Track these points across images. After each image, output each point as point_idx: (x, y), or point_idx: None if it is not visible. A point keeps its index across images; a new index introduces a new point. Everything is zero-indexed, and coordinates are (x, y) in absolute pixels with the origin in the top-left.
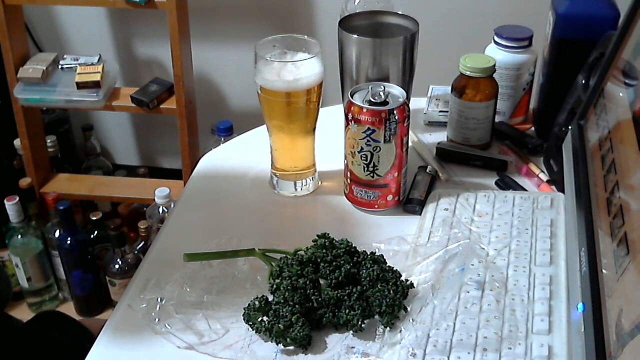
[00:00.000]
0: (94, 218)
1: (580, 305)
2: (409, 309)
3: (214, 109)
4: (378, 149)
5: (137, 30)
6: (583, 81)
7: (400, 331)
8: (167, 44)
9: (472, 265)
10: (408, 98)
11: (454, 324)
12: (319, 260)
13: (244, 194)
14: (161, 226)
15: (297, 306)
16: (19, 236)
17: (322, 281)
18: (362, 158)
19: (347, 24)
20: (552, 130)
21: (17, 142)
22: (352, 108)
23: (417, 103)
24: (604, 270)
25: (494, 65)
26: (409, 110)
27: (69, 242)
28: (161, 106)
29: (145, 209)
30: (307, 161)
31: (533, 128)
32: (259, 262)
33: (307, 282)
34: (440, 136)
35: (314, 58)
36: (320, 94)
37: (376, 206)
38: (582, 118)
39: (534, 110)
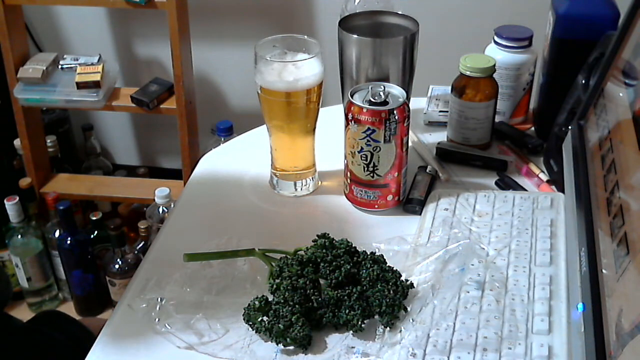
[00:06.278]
0: (94, 218)
1: (580, 305)
2: (409, 309)
3: (214, 109)
4: (378, 149)
5: (137, 30)
6: (583, 81)
7: (400, 331)
8: (167, 44)
9: (472, 265)
10: (408, 98)
11: (454, 324)
12: (319, 260)
13: (244, 194)
14: (161, 226)
15: (297, 306)
16: (19, 236)
17: (322, 281)
18: (362, 158)
19: (347, 24)
20: (552, 130)
21: (17, 142)
22: (352, 108)
23: (417, 103)
24: (604, 270)
25: (494, 65)
26: (409, 110)
27: (69, 242)
28: (161, 106)
29: (145, 209)
30: (307, 161)
31: (533, 128)
32: (259, 262)
33: (307, 282)
34: (440, 136)
35: (314, 58)
36: (320, 94)
37: (376, 206)
38: (582, 118)
39: (534, 110)
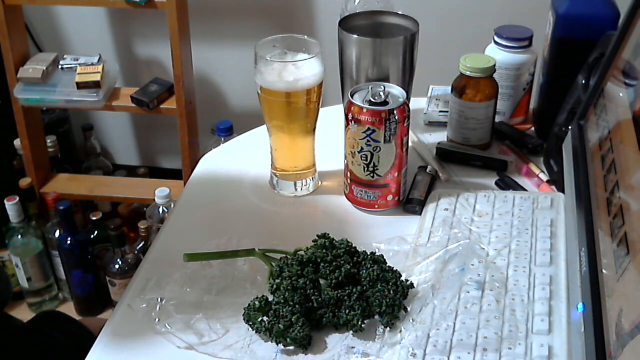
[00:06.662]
0: (94, 218)
1: (580, 305)
2: (409, 309)
3: (214, 109)
4: (378, 149)
5: (137, 30)
6: (583, 81)
7: (400, 331)
8: (167, 44)
9: (472, 265)
10: (408, 98)
11: (454, 324)
12: (319, 260)
13: (244, 194)
14: (161, 226)
15: (297, 306)
16: (19, 236)
17: (322, 281)
18: (362, 158)
19: (347, 24)
20: (552, 130)
21: (17, 142)
22: (352, 108)
23: (417, 103)
24: (604, 270)
25: (494, 65)
26: (409, 110)
27: (69, 242)
28: (161, 106)
29: (145, 209)
30: (307, 161)
31: (533, 128)
32: (259, 262)
33: (307, 282)
34: (440, 136)
35: (314, 58)
36: (320, 94)
37: (376, 206)
38: (582, 118)
39: (534, 110)
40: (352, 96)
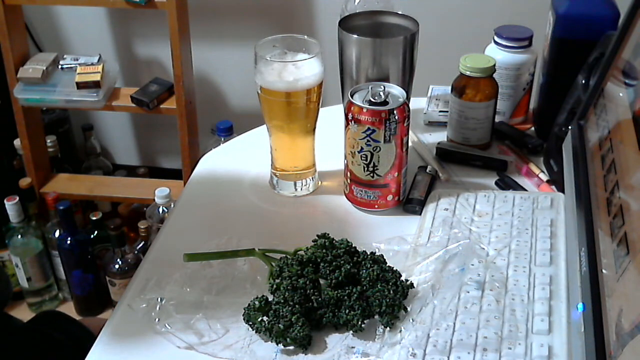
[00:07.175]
0: (94, 218)
1: (580, 305)
2: (409, 309)
3: (214, 109)
4: (378, 149)
5: (137, 30)
6: (583, 81)
7: (400, 331)
8: (167, 44)
9: (472, 265)
10: (408, 98)
11: (454, 324)
12: (319, 260)
13: (244, 194)
14: (161, 226)
15: (297, 306)
16: (19, 236)
17: (322, 281)
18: (362, 158)
19: (347, 24)
20: (552, 130)
21: (17, 142)
22: (352, 108)
23: (417, 103)
24: (604, 270)
25: (494, 65)
26: (409, 110)
27: (69, 242)
28: (161, 106)
29: (145, 209)
30: (307, 161)
31: (533, 128)
32: (259, 262)
33: (307, 282)
34: (440, 136)
35: (314, 58)
36: (320, 94)
37: (376, 206)
38: (582, 118)
39: (534, 110)
40: (352, 96)
